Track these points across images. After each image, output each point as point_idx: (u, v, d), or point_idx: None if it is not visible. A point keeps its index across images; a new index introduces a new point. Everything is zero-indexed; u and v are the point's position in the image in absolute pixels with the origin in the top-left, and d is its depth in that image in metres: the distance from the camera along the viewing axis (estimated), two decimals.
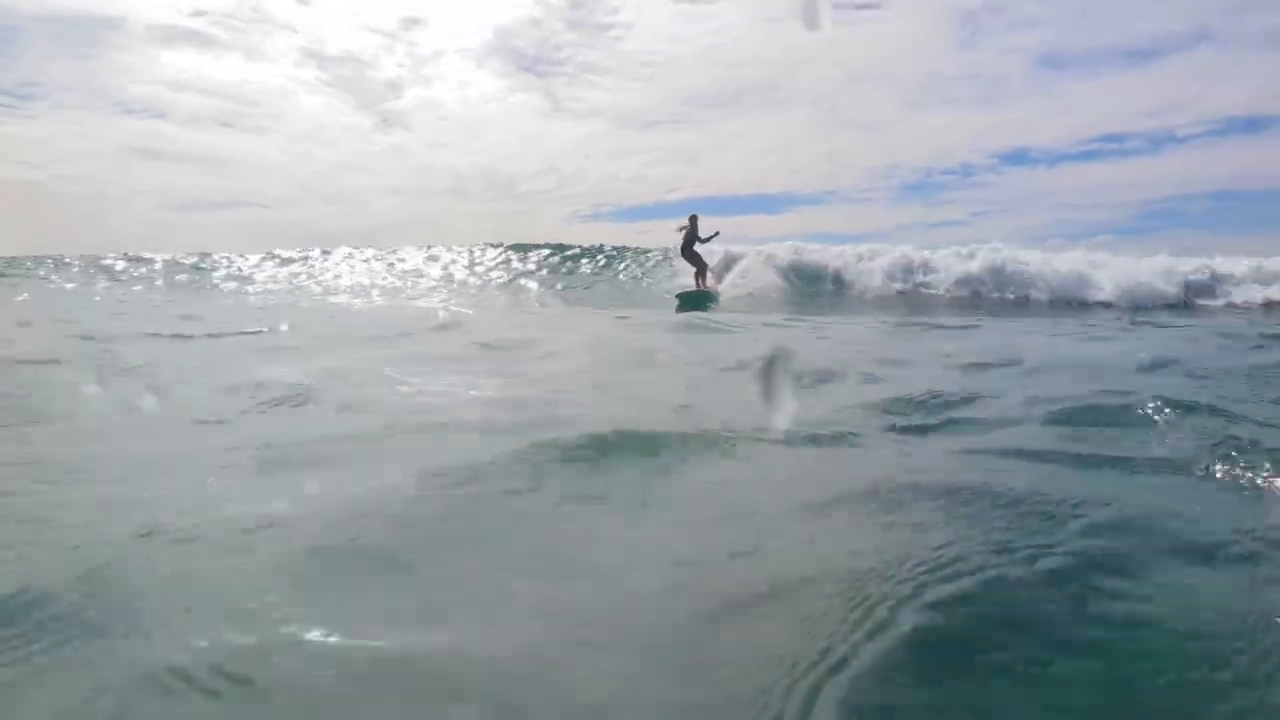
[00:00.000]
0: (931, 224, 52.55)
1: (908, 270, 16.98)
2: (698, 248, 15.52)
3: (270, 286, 17.65)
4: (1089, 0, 51.38)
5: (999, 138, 53.54)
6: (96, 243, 22.96)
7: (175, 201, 48.36)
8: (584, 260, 21.75)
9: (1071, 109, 50.96)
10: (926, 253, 17.17)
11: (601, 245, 22.65)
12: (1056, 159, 48.94)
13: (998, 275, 16.08)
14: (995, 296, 15.73)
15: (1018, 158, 50.46)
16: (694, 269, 15.89)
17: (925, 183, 50.70)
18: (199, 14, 49.09)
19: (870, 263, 17.45)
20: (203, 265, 22.99)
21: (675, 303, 14.99)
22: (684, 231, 15.37)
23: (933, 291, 16.23)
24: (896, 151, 52.88)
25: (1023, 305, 15.00)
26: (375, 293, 16.42)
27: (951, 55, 53.22)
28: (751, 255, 17.82)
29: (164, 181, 47.05)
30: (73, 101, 45.86)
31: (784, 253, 17.95)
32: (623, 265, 21.10)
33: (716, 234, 15.51)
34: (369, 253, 24.39)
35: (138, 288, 17.89)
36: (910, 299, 15.80)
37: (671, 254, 17.93)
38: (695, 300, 14.87)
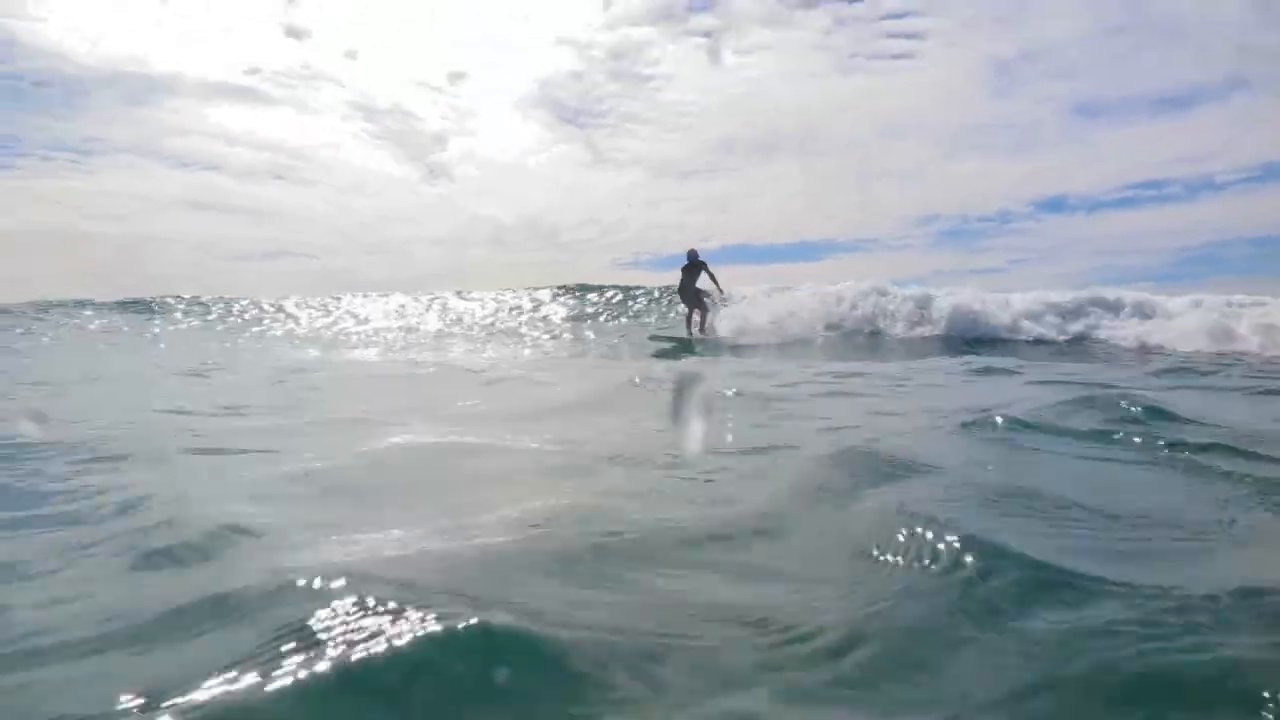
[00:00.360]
0: (970, 270, 52.40)
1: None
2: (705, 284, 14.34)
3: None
4: (1122, 49, 51.26)
5: (1036, 185, 53.64)
6: (147, 288, 24.22)
7: (227, 251, 49.95)
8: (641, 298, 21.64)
9: (1107, 156, 51.04)
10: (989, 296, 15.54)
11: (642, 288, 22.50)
12: (1094, 206, 49.30)
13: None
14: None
15: (1055, 205, 50.60)
16: (698, 312, 14.50)
17: (962, 230, 50.69)
18: (253, 71, 52.39)
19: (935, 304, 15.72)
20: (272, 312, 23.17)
21: (669, 344, 13.88)
22: (687, 270, 14.23)
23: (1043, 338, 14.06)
24: (933, 199, 53.17)
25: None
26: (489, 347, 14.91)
27: (986, 104, 53.78)
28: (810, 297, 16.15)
29: (216, 232, 49.04)
30: (131, 156, 48.48)
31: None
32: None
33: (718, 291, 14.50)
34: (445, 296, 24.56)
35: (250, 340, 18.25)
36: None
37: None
38: (686, 344, 13.66)
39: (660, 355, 12.16)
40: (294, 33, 57.50)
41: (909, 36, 53.37)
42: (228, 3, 57.84)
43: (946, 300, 15.24)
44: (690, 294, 14.49)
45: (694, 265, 14.30)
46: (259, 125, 53.39)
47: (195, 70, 52.97)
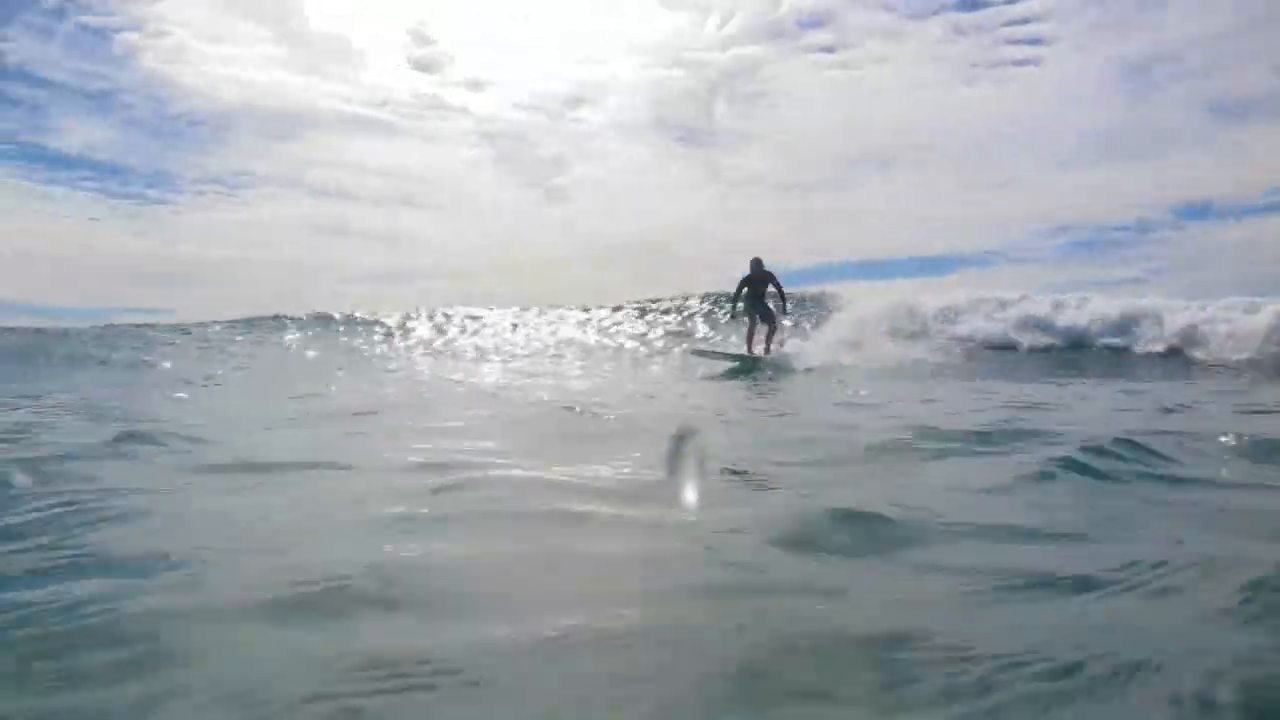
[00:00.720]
0: (1105, 282, 50.72)
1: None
2: (772, 303, 13.06)
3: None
4: (1266, 46, 48.67)
5: (1175, 192, 50.30)
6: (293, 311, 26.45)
7: (360, 274, 53.91)
8: None
9: (1253, 159, 48.69)
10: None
11: None
12: (1242, 212, 45.68)
13: None
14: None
15: (1197, 212, 46.50)
16: (762, 328, 13.09)
17: (1097, 240, 48.65)
18: (383, 104, 55.08)
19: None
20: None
21: (730, 362, 12.81)
22: (750, 281, 12.96)
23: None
24: (1062, 209, 50.33)
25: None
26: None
27: (1117, 108, 49.56)
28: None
29: (350, 258, 51.65)
30: (275, 187, 52.75)
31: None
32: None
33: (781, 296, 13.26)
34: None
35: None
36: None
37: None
38: (749, 365, 12.49)
39: (779, 378, 10.98)
40: (421, 66, 60.68)
41: (1031, 42, 50.06)
42: (360, 40, 62.05)
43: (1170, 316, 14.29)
44: (757, 308, 13.10)
45: (759, 276, 12.94)
46: (389, 154, 56.58)
47: (330, 104, 56.53)
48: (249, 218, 47.08)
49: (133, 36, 43.64)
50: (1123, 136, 48.54)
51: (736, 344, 14.44)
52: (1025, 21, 51.38)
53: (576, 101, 63.77)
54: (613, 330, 22.63)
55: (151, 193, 48.10)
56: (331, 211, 51.17)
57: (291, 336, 21.75)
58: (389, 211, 54.19)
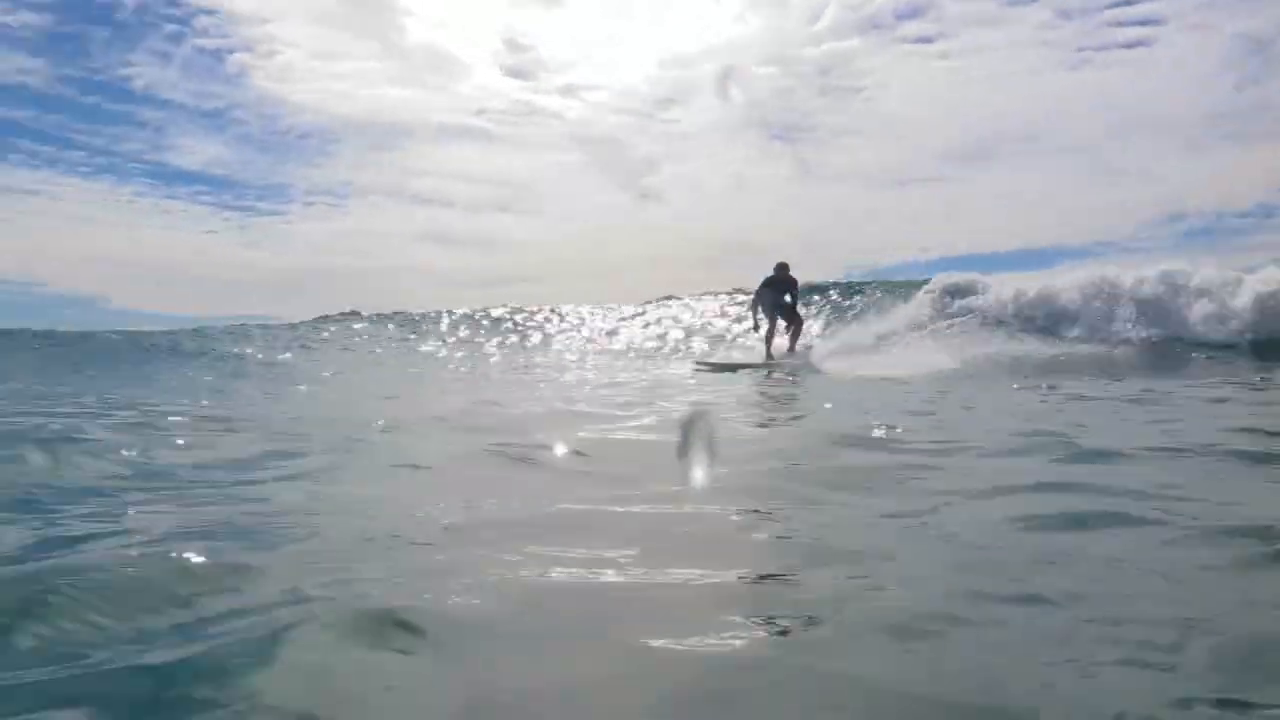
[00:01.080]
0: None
1: None
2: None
3: None
4: None
5: None
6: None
7: (461, 279, 57.57)
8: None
9: None
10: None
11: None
12: None
13: None
14: None
15: None
16: (784, 325, 12.68)
17: (1215, 227, 45.38)
18: (480, 112, 58.19)
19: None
20: None
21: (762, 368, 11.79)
22: (774, 283, 12.49)
23: None
24: (1177, 197, 46.31)
25: None
26: None
27: (1237, 89, 46.86)
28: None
29: (450, 264, 55.39)
30: (378, 196, 56.33)
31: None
32: None
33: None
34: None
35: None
36: None
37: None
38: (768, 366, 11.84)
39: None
40: (515, 73, 63.49)
41: (1142, 23, 48.32)
42: (456, 50, 65.06)
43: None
44: (778, 309, 12.61)
45: (782, 280, 12.57)
46: (485, 161, 59.11)
47: (429, 115, 60.22)
48: (354, 226, 51.44)
49: (245, 57, 47.82)
50: (1241, 118, 44.78)
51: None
52: (1134, 1, 49.89)
53: (668, 102, 64.69)
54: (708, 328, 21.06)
55: (263, 205, 51.55)
56: (432, 218, 54.07)
57: (432, 345, 21.02)
58: (487, 217, 56.72)
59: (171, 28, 47.89)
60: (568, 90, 59.75)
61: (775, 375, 10.92)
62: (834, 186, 54.69)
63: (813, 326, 16.60)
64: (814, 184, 53.79)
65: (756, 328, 12.75)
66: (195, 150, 51.44)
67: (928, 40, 48.91)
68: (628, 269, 56.45)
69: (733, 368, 12.18)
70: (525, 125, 56.54)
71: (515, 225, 58.38)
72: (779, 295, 12.56)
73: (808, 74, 54.51)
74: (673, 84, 62.77)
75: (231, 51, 48.56)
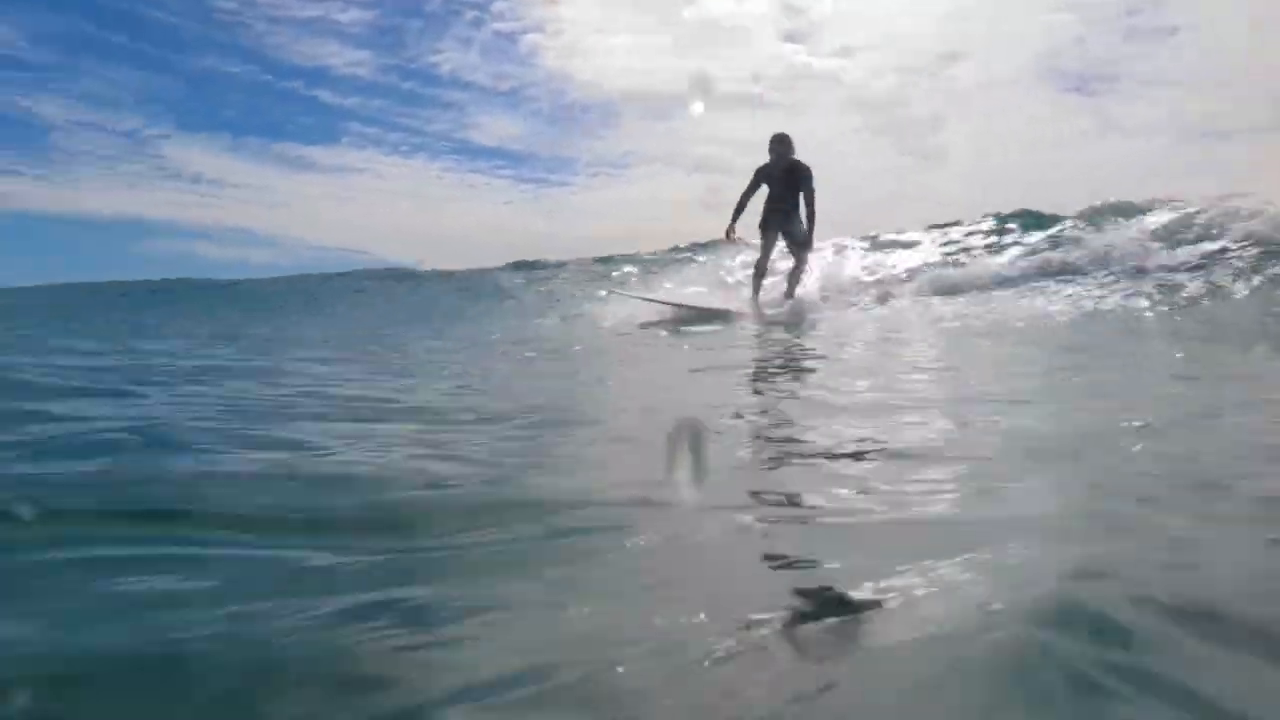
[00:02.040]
0: None
1: None
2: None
3: None
4: None
5: None
6: None
7: None
8: None
9: None
10: None
11: None
12: None
13: None
14: None
15: None
16: (780, 256, 8.04)
17: None
18: (757, 79, 57.18)
19: None
20: None
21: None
22: (773, 175, 7.58)
23: None
24: None
25: None
26: None
27: None
28: None
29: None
30: (660, 165, 60.23)
31: None
32: None
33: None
34: None
35: None
36: None
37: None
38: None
39: None
40: (791, 38, 60.58)
41: None
42: (733, 19, 63.58)
43: None
44: (781, 222, 7.61)
45: (787, 170, 7.52)
46: (761, 128, 58.03)
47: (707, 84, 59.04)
48: (635, 194, 54.48)
49: (536, 37, 50.73)
50: None
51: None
52: None
53: (950, 58, 61.10)
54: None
55: (553, 177, 58.00)
56: (705, 184, 54.13)
57: None
58: None
59: (473, 14, 51.70)
60: (845, 51, 58.04)
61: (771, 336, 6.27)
62: (1140, 140, 48.44)
63: None
64: (1116, 138, 48.60)
65: (730, 235, 7.91)
66: (493, 128, 56.82)
67: None
68: (910, 231, 53.26)
69: (683, 319, 7.39)
70: (801, 90, 56.39)
71: None
72: (784, 197, 7.56)
73: (1109, 18, 48.11)
74: (955, 39, 60.29)
75: (525, 33, 51.45)
